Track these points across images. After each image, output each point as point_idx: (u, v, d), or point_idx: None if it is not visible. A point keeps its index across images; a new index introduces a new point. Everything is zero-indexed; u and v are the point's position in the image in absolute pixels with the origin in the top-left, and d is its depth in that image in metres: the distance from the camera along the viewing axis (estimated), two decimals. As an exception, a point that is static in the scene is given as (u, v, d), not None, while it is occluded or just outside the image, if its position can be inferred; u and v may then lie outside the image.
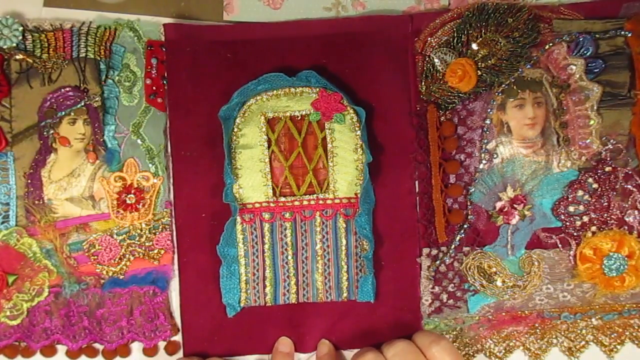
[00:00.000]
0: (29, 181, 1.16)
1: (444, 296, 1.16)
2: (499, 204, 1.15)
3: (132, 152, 1.17)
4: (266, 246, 1.15)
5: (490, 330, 1.17)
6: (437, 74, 1.14)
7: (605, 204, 1.14)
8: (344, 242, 1.15)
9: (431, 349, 1.06)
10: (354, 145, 1.15)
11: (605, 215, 1.14)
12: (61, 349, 1.18)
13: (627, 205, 1.14)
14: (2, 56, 1.16)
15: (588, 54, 1.13)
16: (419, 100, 1.17)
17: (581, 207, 1.15)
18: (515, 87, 1.15)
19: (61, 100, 1.16)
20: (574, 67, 1.13)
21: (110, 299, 1.16)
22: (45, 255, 1.15)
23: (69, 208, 1.17)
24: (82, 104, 1.16)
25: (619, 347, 1.16)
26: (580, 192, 1.14)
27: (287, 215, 1.15)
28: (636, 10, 1.14)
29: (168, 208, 1.17)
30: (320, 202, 1.15)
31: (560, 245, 1.15)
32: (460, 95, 1.14)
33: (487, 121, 1.15)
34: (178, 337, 1.18)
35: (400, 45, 1.17)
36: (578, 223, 1.14)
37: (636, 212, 1.14)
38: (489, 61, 1.12)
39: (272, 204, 1.15)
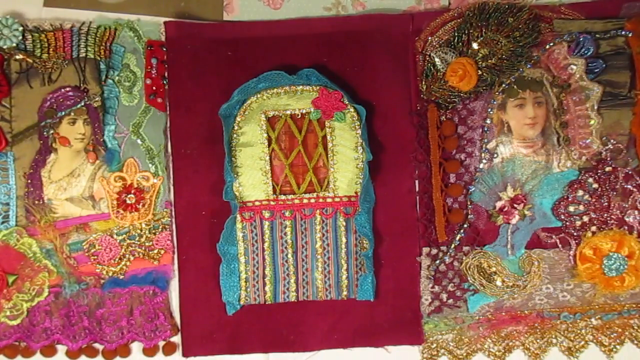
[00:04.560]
0: (29, 181, 1.16)
1: (444, 295, 1.16)
2: (499, 204, 1.15)
3: (132, 152, 1.17)
4: (266, 244, 1.15)
5: (489, 330, 1.17)
6: (438, 73, 1.14)
7: (605, 204, 1.14)
8: (344, 240, 1.15)
9: None
10: (354, 144, 1.15)
11: (605, 215, 1.14)
12: (61, 349, 1.18)
13: (627, 205, 1.14)
14: (2, 56, 1.16)
15: (588, 53, 1.13)
16: (419, 99, 1.17)
17: (581, 207, 1.15)
18: (515, 86, 1.15)
19: (61, 100, 1.16)
20: (574, 67, 1.13)
21: (110, 299, 1.16)
22: (45, 255, 1.15)
23: (69, 208, 1.17)
24: (82, 104, 1.16)
25: (618, 347, 1.16)
26: (580, 192, 1.14)
27: (287, 213, 1.15)
28: (636, 10, 1.14)
29: (168, 208, 1.17)
30: (321, 200, 1.15)
31: (560, 245, 1.15)
32: (461, 94, 1.14)
33: (488, 121, 1.15)
34: (176, 338, 1.18)
35: (401, 44, 1.17)
36: (578, 223, 1.14)
37: (636, 212, 1.14)
38: (490, 61, 1.12)
39: (272, 202, 1.15)
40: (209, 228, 1.16)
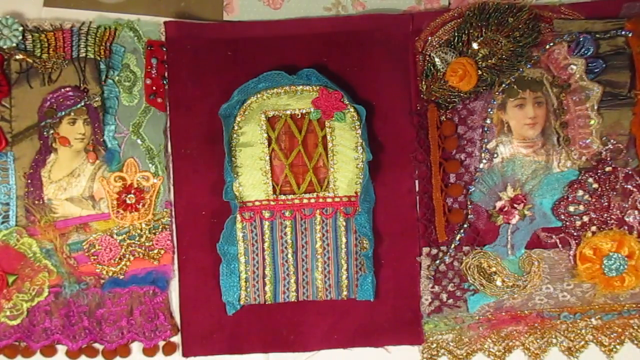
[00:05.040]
0: (29, 181, 1.16)
1: (444, 295, 1.16)
2: (499, 204, 1.15)
3: (132, 152, 1.17)
4: (266, 244, 1.15)
5: (489, 330, 1.17)
6: (438, 73, 1.14)
7: (606, 204, 1.14)
8: (344, 240, 1.15)
9: None
10: (354, 144, 1.15)
11: (605, 215, 1.14)
12: (61, 349, 1.18)
13: (627, 205, 1.14)
14: (2, 56, 1.16)
15: (588, 53, 1.13)
16: (419, 99, 1.17)
17: (581, 207, 1.14)
18: (515, 86, 1.14)
19: (61, 100, 1.16)
20: (574, 67, 1.13)
21: (110, 299, 1.16)
22: (45, 255, 1.15)
23: (69, 208, 1.16)
24: (82, 104, 1.16)
25: (618, 347, 1.16)
26: (580, 192, 1.14)
27: (287, 213, 1.15)
28: (636, 10, 1.14)
29: (168, 208, 1.17)
30: (321, 200, 1.15)
31: (560, 245, 1.15)
32: (461, 94, 1.14)
33: (488, 120, 1.15)
34: (176, 338, 1.18)
35: (401, 44, 1.17)
36: (578, 223, 1.14)
37: (636, 212, 1.14)
38: (490, 60, 1.12)
39: (272, 202, 1.15)
40: (209, 228, 1.16)
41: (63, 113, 1.16)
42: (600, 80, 1.13)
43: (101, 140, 1.17)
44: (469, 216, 1.15)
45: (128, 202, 1.16)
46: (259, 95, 1.15)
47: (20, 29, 1.15)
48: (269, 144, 1.15)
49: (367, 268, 1.13)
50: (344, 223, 1.15)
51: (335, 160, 1.15)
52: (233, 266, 1.15)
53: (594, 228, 1.14)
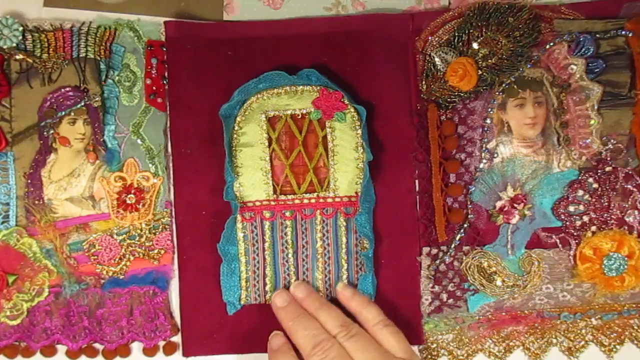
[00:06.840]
0: (29, 181, 1.16)
1: (444, 295, 1.16)
2: (499, 204, 1.15)
3: (132, 152, 1.17)
4: (266, 244, 1.15)
5: (490, 330, 1.17)
6: (438, 73, 1.14)
7: (606, 203, 1.14)
8: (344, 240, 1.15)
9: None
10: (355, 144, 1.15)
11: (605, 215, 1.14)
12: (61, 349, 1.17)
13: (627, 205, 1.14)
14: (2, 56, 1.16)
15: (589, 53, 1.13)
16: (419, 99, 1.17)
17: (581, 207, 1.15)
18: (515, 86, 1.15)
19: (61, 100, 1.16)
20: (574, 67, 1.13)
21: (110, 299, 1.16)
22: (45, 255, 1.15)
23: (69, 208, 1.16)
24: (82, 104, 1.16)
25: (618, 347, 1.16)
26: (580, 192, 1.14)
27: (288, 213, 1.15)
28: (637, 10, 1.14)
29: (168, 208, 1.17)
30: (321, 200, 1.15)
31: (560, 245, 1.15)
32: (461, 94, 1.14)
33: (488, 120, 1.15)
34: (176, 338, 1.18)
35: (401, 43, 1.17)
36: (578, 223, 1.14)
37: (636, 212, 1.14)
38: (490, 60, 1.12)
39: (272, 202, 1.15)
40: (209, 228, 1.16)
41: (63, 113, 1.16)
42: (600, 80, 1.13)
43: (101, 140, 1.17)
44: (469, 216, 1.15)
45: (128, 202, 1.16)
46: (259, 96, 1.15)
47: (20, 29, 1.15)
48: (270, 144, 1.15)
49: (367, 268, 1.13)
50: (345, 223, 1.15)
51: (335, 161, 1.15)
52: (233, 266, 1.15)
53: (594, 228, 1.14)
